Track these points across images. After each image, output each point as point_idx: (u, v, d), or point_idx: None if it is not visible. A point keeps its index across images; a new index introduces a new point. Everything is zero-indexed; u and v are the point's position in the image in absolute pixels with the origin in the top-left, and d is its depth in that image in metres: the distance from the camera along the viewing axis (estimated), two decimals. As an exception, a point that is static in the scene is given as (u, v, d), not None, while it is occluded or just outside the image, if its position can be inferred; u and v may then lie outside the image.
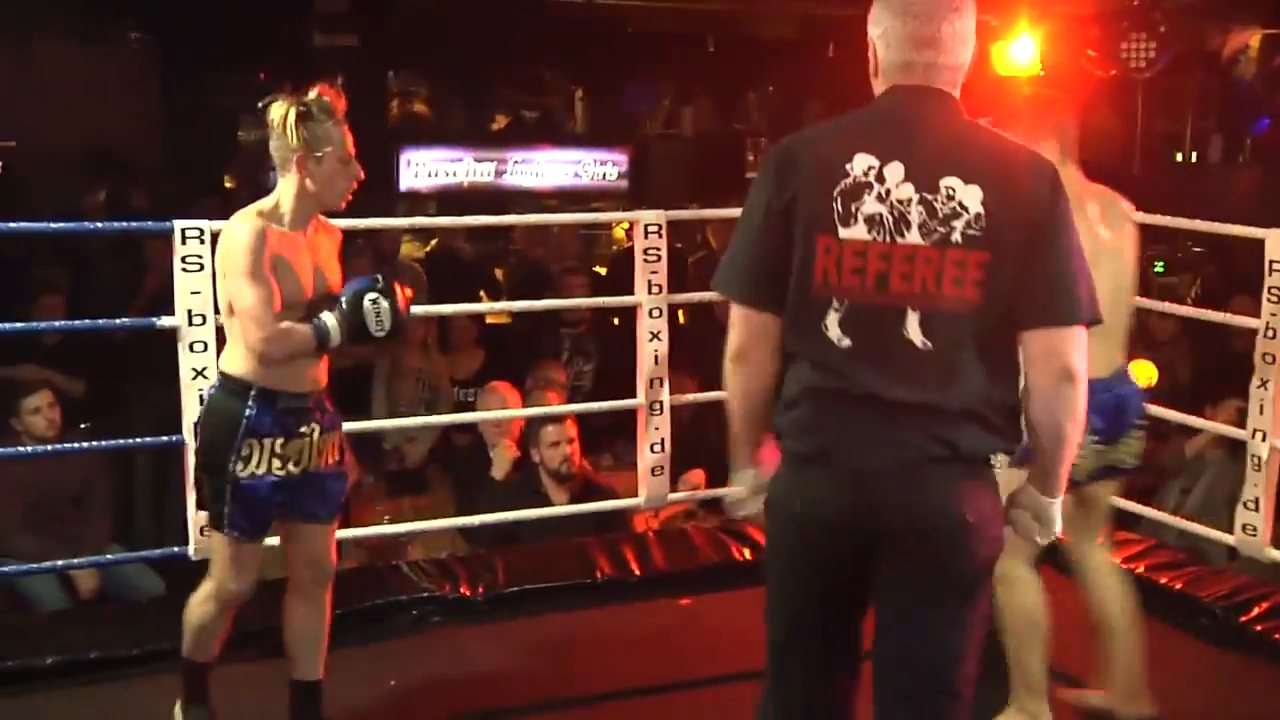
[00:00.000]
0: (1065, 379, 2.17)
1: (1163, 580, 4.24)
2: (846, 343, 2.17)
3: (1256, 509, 4.07)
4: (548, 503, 4.87)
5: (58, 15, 10.42)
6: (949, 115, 2.22)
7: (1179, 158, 11.91)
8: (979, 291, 2.13)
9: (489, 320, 7.39)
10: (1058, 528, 2.35)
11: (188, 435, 3.77)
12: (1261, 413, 4.02)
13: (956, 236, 2.13)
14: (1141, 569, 4.27)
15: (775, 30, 11.11)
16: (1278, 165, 10.53)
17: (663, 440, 4.48)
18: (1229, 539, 4.24)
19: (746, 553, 4.49)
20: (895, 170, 2.15)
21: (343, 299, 2.98)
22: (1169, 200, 5.12)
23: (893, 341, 2.15)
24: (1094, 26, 8.96)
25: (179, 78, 11.25)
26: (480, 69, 12.10)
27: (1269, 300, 3.99)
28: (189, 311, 3.74)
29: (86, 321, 4.77)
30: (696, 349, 5.17)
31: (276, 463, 3.01)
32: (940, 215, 2.14)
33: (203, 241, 3.72)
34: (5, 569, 4.44)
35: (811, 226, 2.17)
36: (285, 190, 2.98)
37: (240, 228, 2.91)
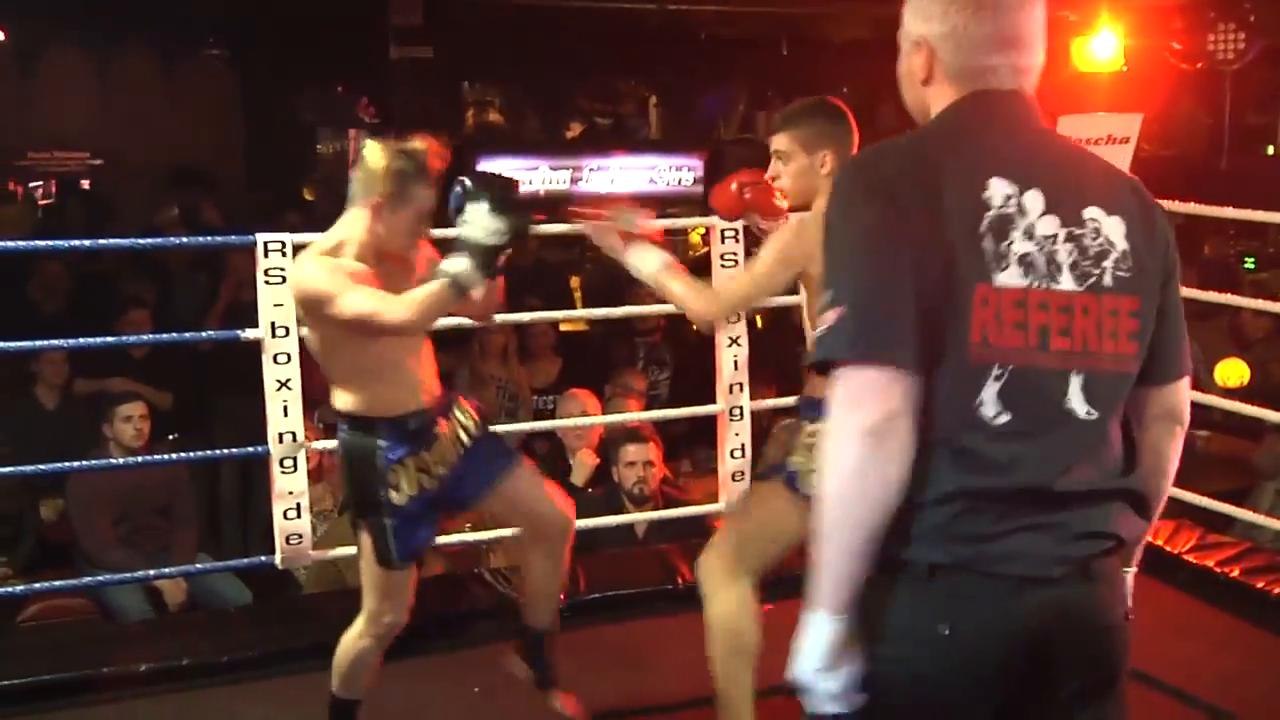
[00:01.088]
0: (1179, 438, 1.95)
1: (1259, 585, 4.13)
2: (1004, 419, 1.71)
3: (1355, 511, 3.95)
4: (627, 510, 4.85)
5: (139, 33, 10.65)
6: (1045, 128, 1.87)
7: (1270, 151, 11.67)
8: (1134, 345, 1.79)
9: (563, 328, 7.41)
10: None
11: (272, 445, 3.83)
12: (1355, 411, 3.90)
13: (1108, 279, 1.77)
14: (1236, 572, 4.18)
15: (849, 32, 11.07)
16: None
17: (743, 446, 4.47)
18: (1324, 541, 4.12)
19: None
20: (1035, 200, 1.75)
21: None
22: (1260, 194, 5.02)
23: (1053, 414, 1.74)
24: (1178, 18, 8.80)
25: (259, 92, 11.46)
26: (553, 77, 12.20)
27: (1360, 295, 3.86)
28: (272, 324, 3.79)
29: (174, 335, 4.84)
30: (774, 354, 5.14)
31: (425, 478, 2.99)
32: (1091, 254, 1.76)
33: (284, 254, 3.77)
34: (96, 579, 4.52)
35: (969, 273, 1.70)
36: (353, 224, 2.90)
37: (308, 265, 2.87)
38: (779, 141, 3.00)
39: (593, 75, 12.57)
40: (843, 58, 11.52)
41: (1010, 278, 1.70)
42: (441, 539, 4.43)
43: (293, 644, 3.82)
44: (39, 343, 4.91)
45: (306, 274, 2.85)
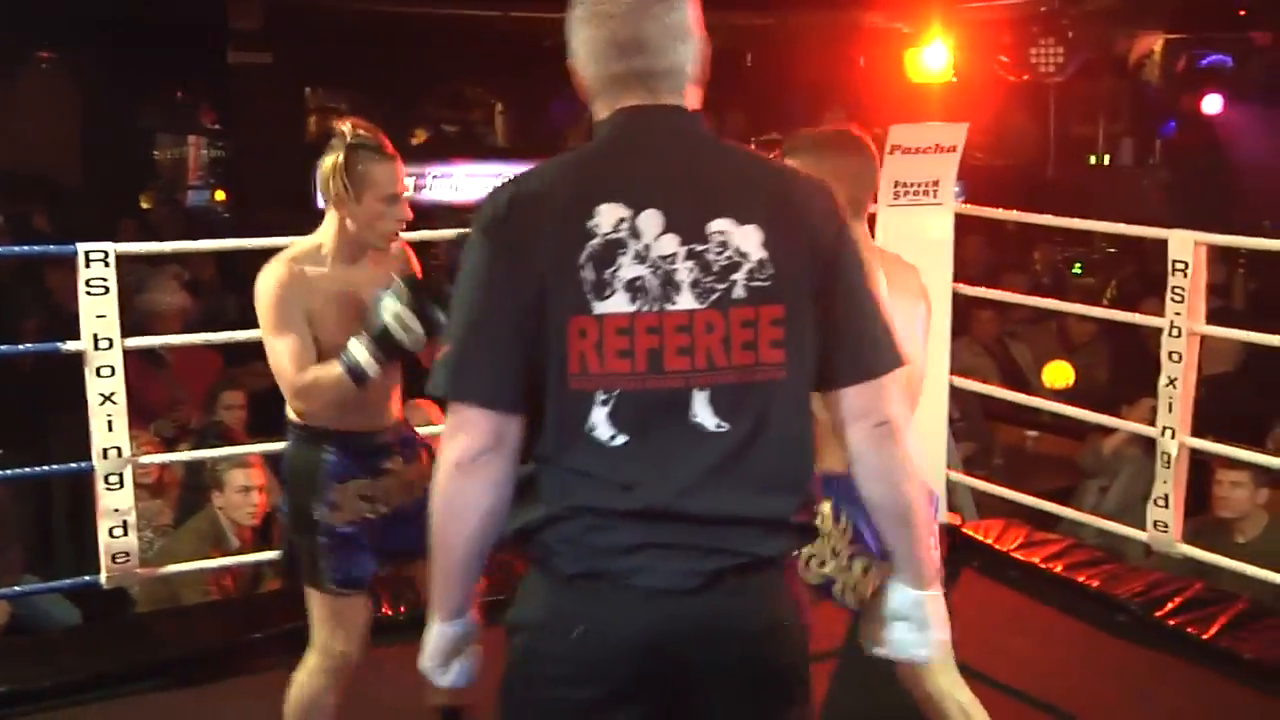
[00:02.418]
0: (888, 437, 1.83)
1: (1080, 579, 4.28)
2: (620, 440, 1.74)
3: (1166, 506, 4.12)
4: None
5: None
6: (692, 137, 1.84)
7: (1092, 161, 12.15)
8: (780, 353, 1.76)
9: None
10: (945, 628, 1.95)
11: (96, 461, 3.70)
12: (1170, 410, 4.08)
13: (739, 291, 1.74)
14: (1060, 568, 4.33)
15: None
16: (1185, 167, 10.77)
17: None
18: (1143, 536, 4.29)
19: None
20: (652, 220, 1.74)
21: (366, 321, 2.73)
22: (1084, 202, 5.25)
23: (677, 432, 1.74)
24: (1005, 32, 9.12)
25: (96, 98, 11.13)
26: (399, 84, 12.10)
27: (1172, 300, 4.04)
28: (94, 336, 3.67)
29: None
30: None
31: (366, 506, 2.85)
32: (716, 269, 1.74)
33: (107, 264, 3.65)
34: None
35: (559, 304, 1.72)
36: (326, 227, 2.83)
37: (265, 279, 2.76)
38: None
39: (439, 82, 12.66)
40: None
41: (614, 305, 1.71)
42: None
43: (116, 667, 3.66)
44: None
45: (260, 289, 2.77)
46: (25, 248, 5.50)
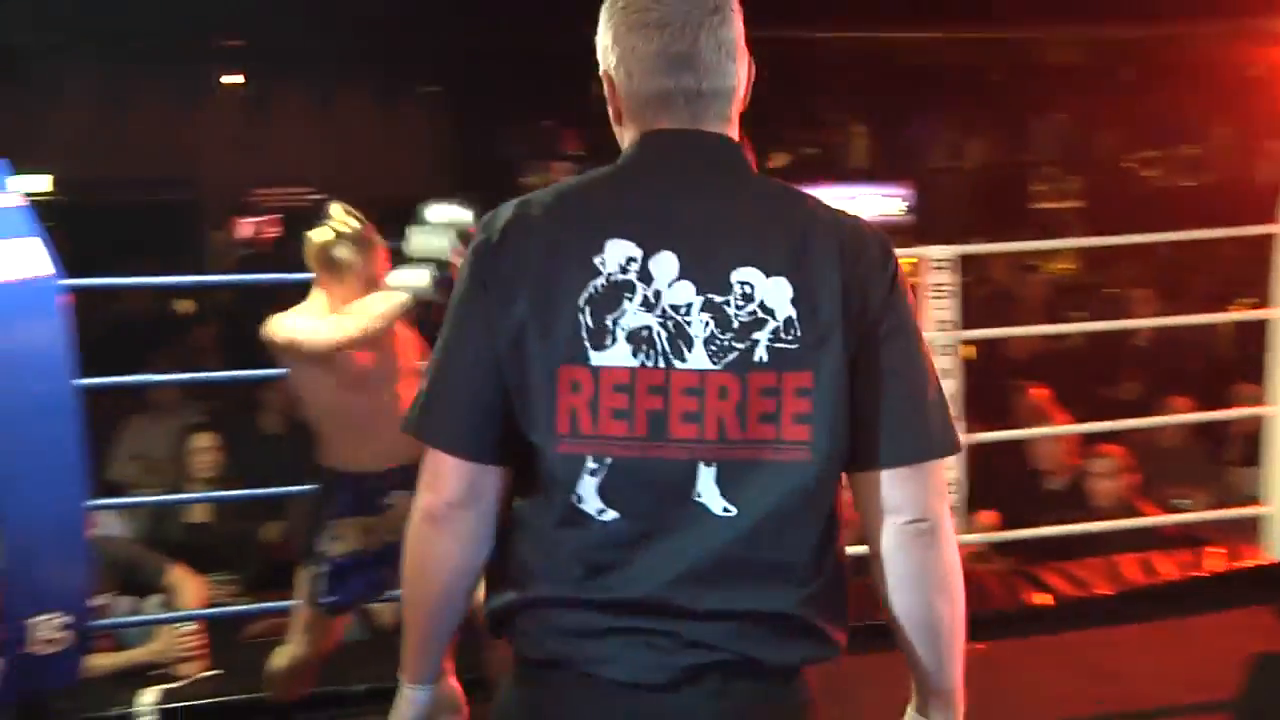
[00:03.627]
0: (925, 537, 1.51)
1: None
2: (610, 516, 1.46)
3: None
4: None
5: (361, 73, 11.82)
6: (727, 170, 1.55)
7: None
8: (804, 429, 1.46)
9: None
10: None
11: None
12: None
13: (760, 354, 1.45)
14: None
15: (1061, 56, 10.69)
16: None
17: (955, 481, 4.05)
18: None
19: (1044, 598, 4.06)
20: (666, 264, 1.47)
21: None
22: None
23: (677, 511, 1.46)
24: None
25: (469, 128, 12.38)
26: (757, 108, 10.52)
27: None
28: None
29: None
30: (984, 388, 4.96)
31: (369, 538, 3.07)
32: (735, 325, 1.46)
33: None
34: None
35: (550, 349, 1.45)
36: (315, 299, 3.03)
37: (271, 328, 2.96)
38: None
39: (797, 105, 11.58)
40: (1054, 83, 10.77)
41: (614, 357, 1.46)
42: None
43: None
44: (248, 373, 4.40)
45: (270, 335, 2.95)
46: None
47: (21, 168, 3.15)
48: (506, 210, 1.52)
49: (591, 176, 1.56)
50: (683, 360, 1.45)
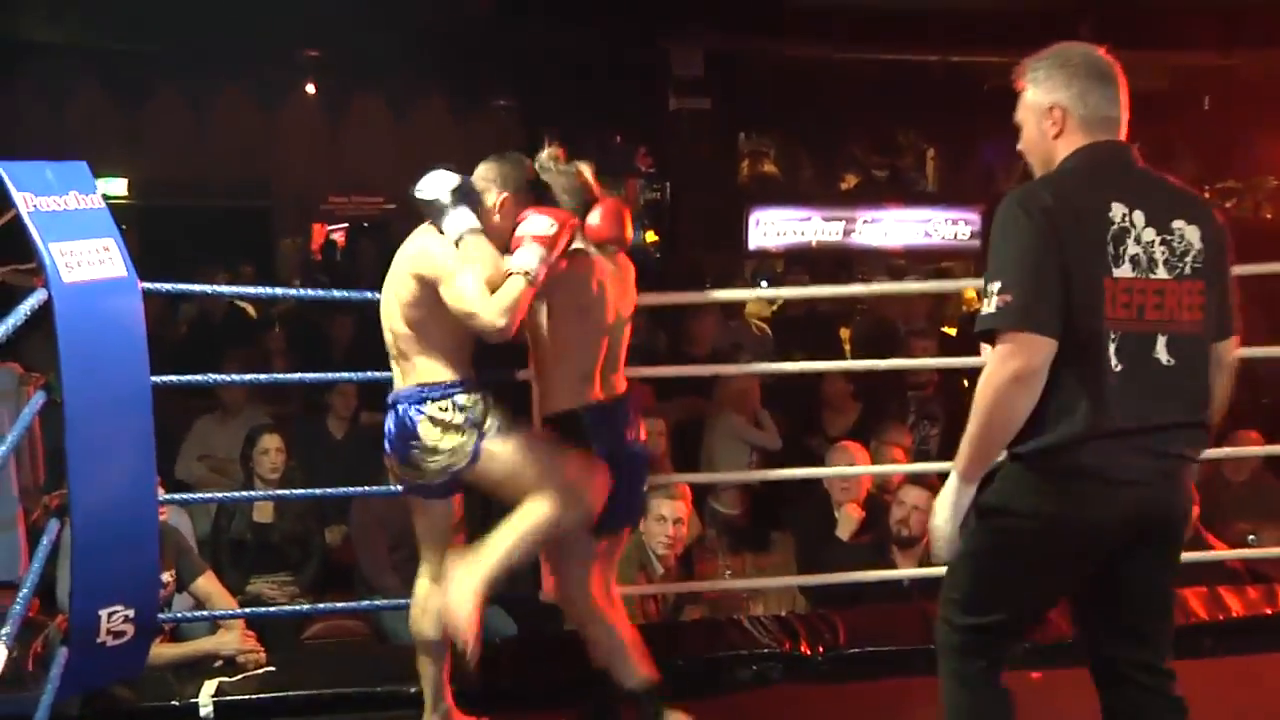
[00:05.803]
0: (1227, 378, 2.70)
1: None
2: (1120, 367, 2.48)
3: None
4: (893, 566, 4.63)
5: (435, 85, 12.03)
6: (1138, 163, 2.63)
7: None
8: (1200, 315, 2.56)
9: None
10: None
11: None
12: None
13: (1188, 270, 2.54)
14: None
15: (1137, 83, 10.47)
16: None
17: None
18: None
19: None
20: (1140, 216, 2.52)
21: None
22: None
23: (1147, 362, 2.51)
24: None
25: (542, 141, 11.72)
26: (829, 129, 11.76)
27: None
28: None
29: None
30: None
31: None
32: (1178, 253, 2.54)
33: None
34: (372, 603, 4.72)
35: (1094, 268, 2.47)
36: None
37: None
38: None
39: (870, 126, 11.82)
40: (1130, 110, 10.52)
41: (1124, 271, 2.50)
42: (702, 585, 4.81)
43: (549, 679, 3.76)
44: (329, 375, 5.09)
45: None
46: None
47: (100, 172, 3.17)
48: (1033, 190, 2.53)
49: (1075, 171, 2.57)
50: (1155, 273, 2.52)
